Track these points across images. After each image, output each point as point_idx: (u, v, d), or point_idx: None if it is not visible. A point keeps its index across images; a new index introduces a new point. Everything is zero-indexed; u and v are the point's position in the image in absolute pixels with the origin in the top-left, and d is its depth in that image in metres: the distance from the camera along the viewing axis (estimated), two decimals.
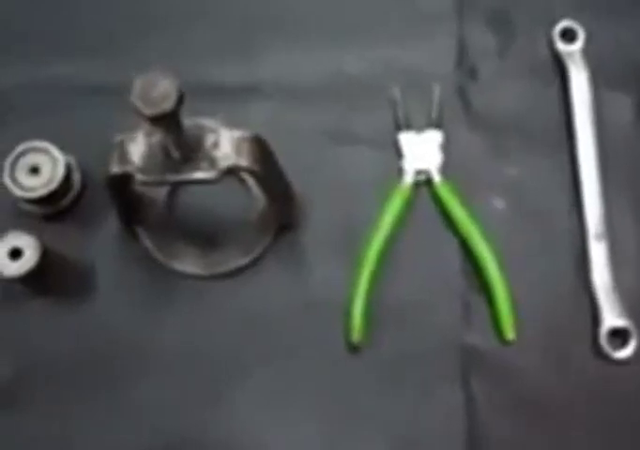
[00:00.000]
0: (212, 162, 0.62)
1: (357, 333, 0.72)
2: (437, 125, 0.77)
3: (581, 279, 0.73)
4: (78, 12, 0.80)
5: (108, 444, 0.72)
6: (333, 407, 0.71)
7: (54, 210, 0.75)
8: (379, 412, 0.71)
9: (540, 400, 0.71)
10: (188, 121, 0.61)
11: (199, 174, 0.62)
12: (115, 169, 0.63)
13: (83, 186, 0.76)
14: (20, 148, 0.73)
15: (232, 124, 0.63)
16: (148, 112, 0.55)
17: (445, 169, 0.76)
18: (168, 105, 0.55)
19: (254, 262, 0.74)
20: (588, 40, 0.78)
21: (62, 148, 0.73)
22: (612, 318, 0.72)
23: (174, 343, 0.73)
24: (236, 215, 0.75)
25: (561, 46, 0.78)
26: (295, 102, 0.77)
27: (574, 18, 0.78)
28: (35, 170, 0.73)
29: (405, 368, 0.71)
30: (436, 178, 0.76)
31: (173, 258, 0.75)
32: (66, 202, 0.75)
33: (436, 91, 0.77)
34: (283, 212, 0.74)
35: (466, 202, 0.74)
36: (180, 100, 0.56)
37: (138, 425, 0.71)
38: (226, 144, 0.63)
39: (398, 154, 0.77)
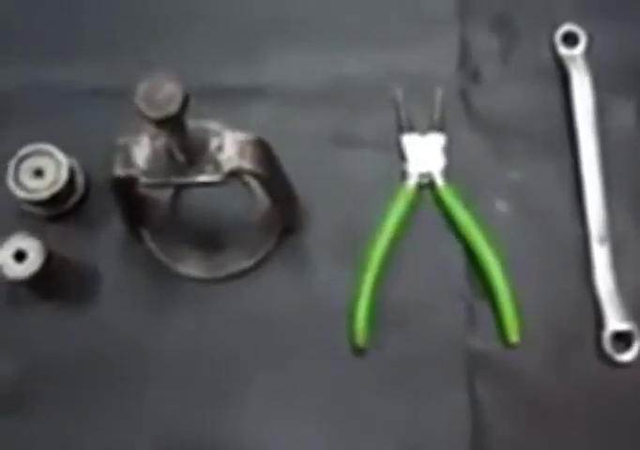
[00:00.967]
0: (216, 165, 0.62)
1: (360, 335, 0.72)
2: (440, 128, 0.77)
3: (584, 282, 0.73)
4: (79, 14, 0.80)
5: (111, 446, 0.72)
6: (337, 409, 0.71)
7: (58, 212, 0.75)
8: (383, 414, 0.71)
9: (543, 402, 0.71)
10: (192, 124, 0.61)
11: (203, 177, 0.62)
12: (119, 172, 0.63)
13: (87, 188, 0.76)
14: (23, 151, 0.72)
15: (234, 127, 0.63)
16: (153, 115, 0.55)
17: (448, 172, 0.76)
18: (173, 108, 0.55)
19: (258, 265, 0.74)
20: (591, 44, 0.78)
21: (65, 151, 0.73)
22: (615, 321, 0.72)
23: (177, 346, 0.73)
24: (239, 217, 0.75)
25: (563, 50, 0.78)
26: (297, 105, 0.77)
27: (577, 22, 0.78)
28: (38, 172, 0.73)
29: (409, 371, 0.71)
30: (439, 181, 0.76)
31: (177, 260, 0.75)
32: (69, 204, 0.75)
33: (439, 94, 0.77)
34: (287, 215, 0.74)
35: (469, 205, 0.74)
36: (185, 103, 0.56)
37: (142, 427, 0.71)
38: (230, 147, 0.63)
39: (401, 156, 0.77)
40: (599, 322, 0.73)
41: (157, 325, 0.73)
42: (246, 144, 0.63)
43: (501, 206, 0.75)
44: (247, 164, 0.63)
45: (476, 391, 0.71)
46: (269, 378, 0.72)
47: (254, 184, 0.74)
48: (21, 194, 0.72)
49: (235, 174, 0.63)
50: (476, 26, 0.79)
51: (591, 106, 0.77)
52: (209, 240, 0.75)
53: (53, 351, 0.73)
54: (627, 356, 0.72)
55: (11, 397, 0.72)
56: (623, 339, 0.72)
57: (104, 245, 0.75)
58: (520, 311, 0.72)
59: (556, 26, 0.78)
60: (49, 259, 0.69)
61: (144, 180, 0.62)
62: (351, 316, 0.72)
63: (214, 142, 0.62)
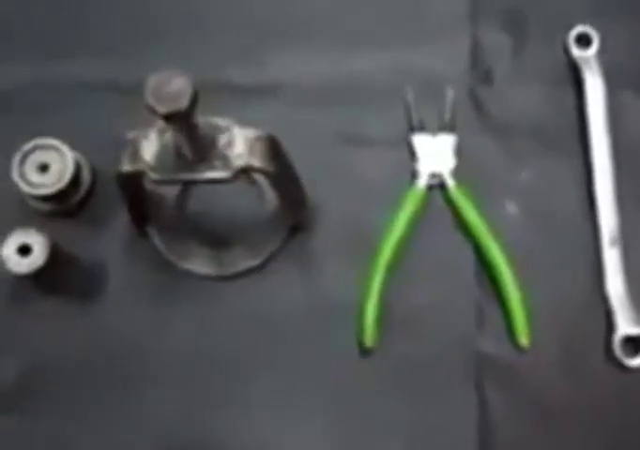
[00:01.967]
0: (225, 162, 0.62)
1: (369, 335, 0.71)
2: (451, 128, 0.76)
3: (594, 285, 0.73)
4: (85, 10, 0.79)
5: (111, 446, 0.71)
6: (342, 409, 0.71)
7: (63, 208, 0.74)
8: (389, 415, 0.70)
9: (552, 405, 0.71)
10: (201, 119, 0.60)
11: (212, 174, 0.62)
12: (127, 167, 0.62)
13: (93, 183, 0.75)
14: (29, 145, 0.72)
15: (243, 124, 0.63)
16: (162, 109, 0.54)
17: (458, 172, 0.75)
18: (182, 103, 0.54)
19: (265, 264, 0.74)
20: (604, 45, 0.77)
21: (70, 146, 0.73)
22: (626, 325, 0.71)
23: (179, 344, 0.72)
24: (247, 215, 0.74)
25: (576, 51, 0.77)
26: (307, 103, 0.76)
27: (590, 23, 0.78)
28: (44, 167, 0.72)
29: (417, 372, 0.71)
30: (450, 182, 0.75)
31: (183, 258, 0.74)
32: (75, 199, 0.74)
33: (450, 94, 0.77)
34: (295, 213, 0.73)
35: (480, 206, 0.74)
36: (195, 98, 0.55)
37: (142, 427, 0.71)
38: (240, 144, 0.62)
39: (411, 156, 0.76)
40: (609, 325, 0.72)
41: (160, 323, 0.72)
42: (256, 141, 0.63)
43: (511, 208, 0.75)
44: (256, 161, 0.62)
45: (484, 393, 0.71)
46: (273, 378, 0.71)
47: (262, 181, 0.73)
48: (25, 189, 0.71)
49: (244, 171, 0.63)
50: (488, 26, 0.79)
51: (603, 107, 0.76)
52: (217, 238, 0.74)
53: (56, 348, 0.72)
54: (637, 361, 0.71)
55: (12, 395, 0.72)
56: (633, 344, 0.71)
57: (109, 241, 0.74)
58: (530, 314, 0.71)
59: (569, 27, 0.78)
60: (54, 254, 0.68)
61: (151, 175, 0.62)
62: (359, 316, 0.71)
63: (223, 139, 0.62)
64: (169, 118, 0.55)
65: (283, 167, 0.66)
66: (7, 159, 0.72)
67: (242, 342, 0.72)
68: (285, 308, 0.72)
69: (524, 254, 0.72)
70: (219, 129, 0.62)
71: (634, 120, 0.76)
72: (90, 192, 0.75)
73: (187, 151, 0.61)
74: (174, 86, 0.55)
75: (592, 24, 0.78)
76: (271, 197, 0.73)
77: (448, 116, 0.76)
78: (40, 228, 0.69)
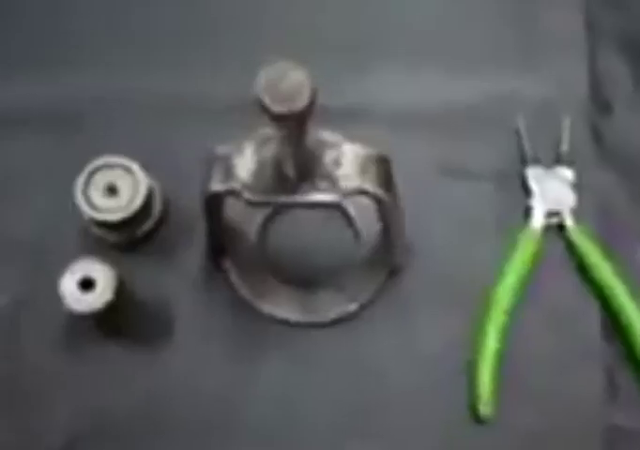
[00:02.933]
0: (332, 183, 0.53)
1: (485, 404, 0.63)
2: (569, 161, 0.69)
3: None
4: (153, 25, 0.73)
5: None
6: None
7: (129, 238, 0.66)
8: None
9: None
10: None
11: (319, 196, 0.54)
12: (218, 186, 0.54)
13: (164, 211, 0.67)
14: (96, 163, 0.63)
15: None
16: (277, 109, 0.46)
17: (577, 210, 0.68)
18: (301, 101, 0.46)
19: (359, 311, 0.66)
20: None
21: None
22: None
23: (259, 401, 0.65)
24: (339, 254, 0.67)
25: None
26: (406, 131, 0.69)
27: None
28: (112, 189, 0.63)
29: (538, 447, 0.64)
30: (570, 221, 0.68)
31: (264, 299, 0.66)
32: (143, 229, 0.66)
33: (567, 123, 0.71)
34: (396, 255, 0.64)
35: (605, 250, 0.67)
36: (314, 96, 0.46)
37: None
38: (349, 163, 0.54)
39: (525, 192, 0.69)
40: None
41: (239, 375, 0.65)
42: (367, 160, 0.55)
43: None
44: (369, 185, 0.54)
45: None
46: (371, 441, 0.63)
47: (356, 214, 0.66)
48: (89, 213, 0.62)
49: (352, 195, 0.54)
50: (606, 51, 0.73)
51: None
52: (303, 277, 0.67)
53: (114, 400, 0.65)
54: None
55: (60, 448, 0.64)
56: None
57: (180, 278, 0.67)
58: None
59: None
60: (119, 291, 0.59)
61: (246, 196, 0.53)
62: (472, 378, 0.64)
63: (330, 155, 0.54)
64: (282, 119, 0.46)
65: (393, 194, 0.57)
66: (70, 181, 0.64)
67: (330, 399, 0.65)
68: (382, 361, 0.65)
69: None
70: (325, 145, 0.54)
71: None
72: (161, 222, 0.67)
73: (289, 168, 0.53)
74: (290, 82, 0.46)
75: None
76: (368, 236, 0.66)
77: (565, 148, 0.70)
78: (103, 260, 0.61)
